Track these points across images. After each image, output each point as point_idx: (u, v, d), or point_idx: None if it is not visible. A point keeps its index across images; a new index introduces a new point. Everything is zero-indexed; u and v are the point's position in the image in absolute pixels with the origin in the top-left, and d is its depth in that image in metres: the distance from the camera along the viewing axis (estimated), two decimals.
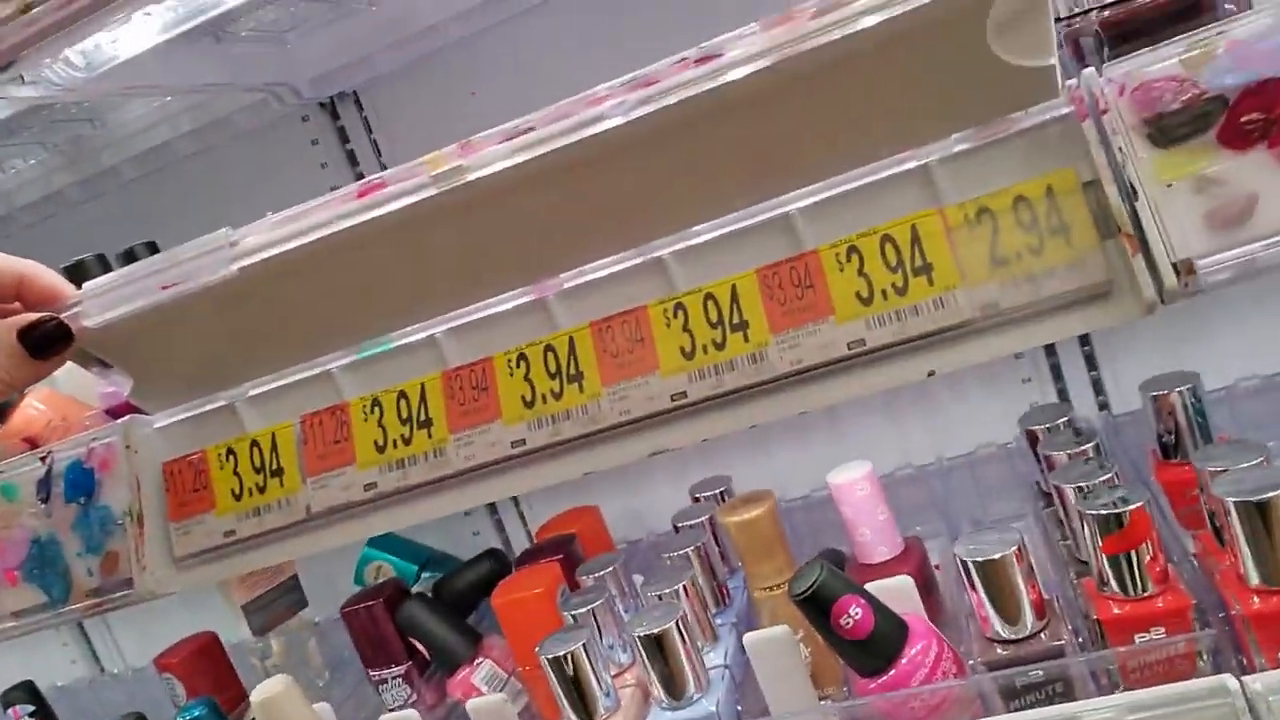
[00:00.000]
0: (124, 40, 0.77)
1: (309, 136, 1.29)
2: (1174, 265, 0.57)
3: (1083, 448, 0.86)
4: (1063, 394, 1.19)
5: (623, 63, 1.16)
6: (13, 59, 0.71)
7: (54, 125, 1.11)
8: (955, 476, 1.18)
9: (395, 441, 0.75)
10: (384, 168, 1.29)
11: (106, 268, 0.84)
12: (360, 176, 1.29)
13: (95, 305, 0.67)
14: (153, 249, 0.94)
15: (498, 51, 1.20)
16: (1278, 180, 0.56)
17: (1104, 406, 1.18)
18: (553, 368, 0.72)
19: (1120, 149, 0.59)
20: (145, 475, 0.80)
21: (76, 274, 0.83)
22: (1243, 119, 0.57)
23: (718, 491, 1.08)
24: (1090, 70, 0.60)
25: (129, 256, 0.92)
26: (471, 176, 0.60)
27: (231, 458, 0.79)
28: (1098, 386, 1.18)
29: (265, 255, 0.63)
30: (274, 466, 0.78)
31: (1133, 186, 0.58)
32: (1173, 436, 0.93)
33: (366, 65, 1.20)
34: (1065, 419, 0.94)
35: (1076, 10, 0.73)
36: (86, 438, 0.80)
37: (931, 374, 0.63)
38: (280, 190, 1.31)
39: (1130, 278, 0.59)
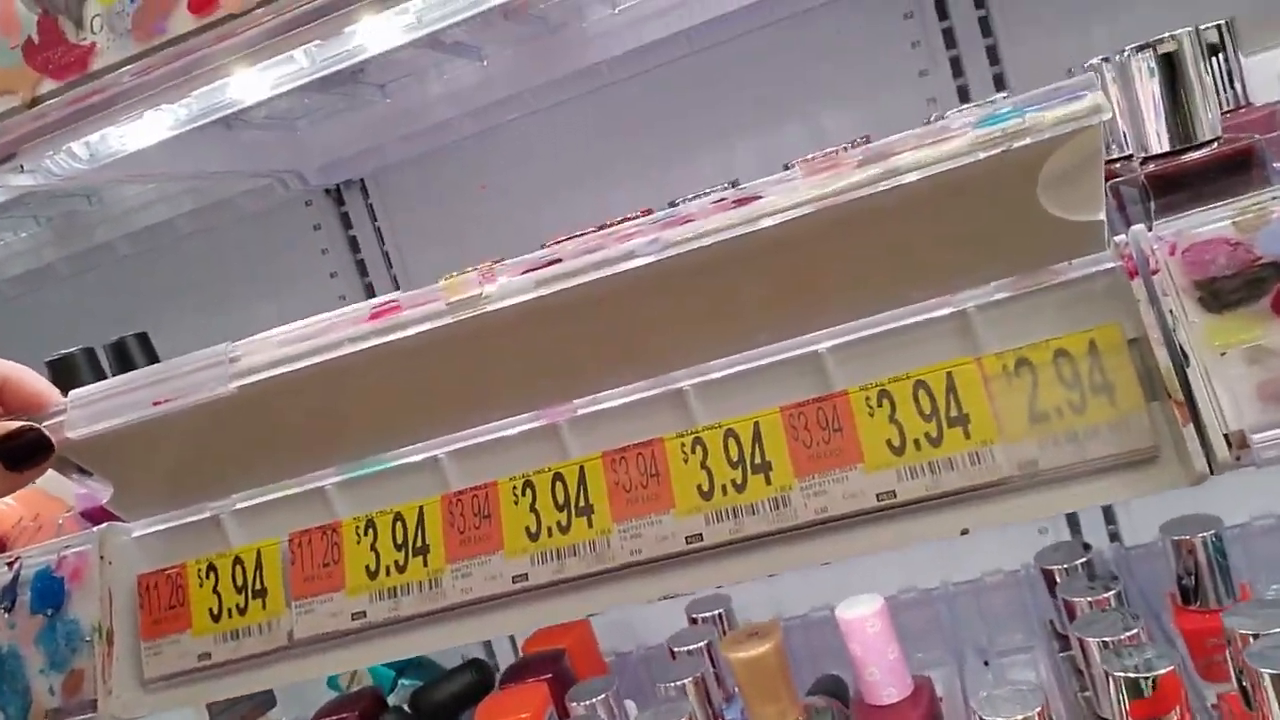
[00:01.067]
0: (132, 135, 0.75)
1: (311, 221, 1.27)
2: (1226, 437, 0.54)
3: (1104, 595, 0.83)
4: (1073, 521, 1.16)
5: (631, 164, 1.16)
6: (14, 151, 0.68)
7: (49, 200, 1.08)
8: (961, 602, 1.14)
9: (388, 568, 0.70)
10: (386, 256, 1.26)
11: (94, 361, 0.81)
12: (362, 264, 1.27)
13: (81, 415, 0.63)
14: (144, 341, 0.91)
15: (507, 148, 1.19)
16: None
17: (1115, 536, 1.15)
18: (561, 498, 0.68)
19: (1171, 311, 0.56)
20: (118, 588, 0.75)
21: (62, 368, 0.79)
22: None
23: (716, 613, 1.04)
24: (1140, 227, 0.58)
25: (119, 349, 0.89)
26: (491, 307, 0.56)
27: (212, 574, 0.74)
28: (1108, 515, 1.15)
29: (267, 375, 0.60)
30: (257, 587, 0.73)
31: (1184, 351, 0.55)
32: (1193, 580, 0.89)
33: (375, 155, 1.19)
34: (1084, 560, 0.90)
35: (1119, 155, 0.72)
36: (58, 544, 0.76)
37: (965, 532, 0.60)
38: (279, 274, 1.29)
39: (1177, 444, 0.56)
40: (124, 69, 0.65)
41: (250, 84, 0.74)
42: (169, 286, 1.30)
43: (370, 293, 1.27)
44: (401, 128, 1.14)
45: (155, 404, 0.61)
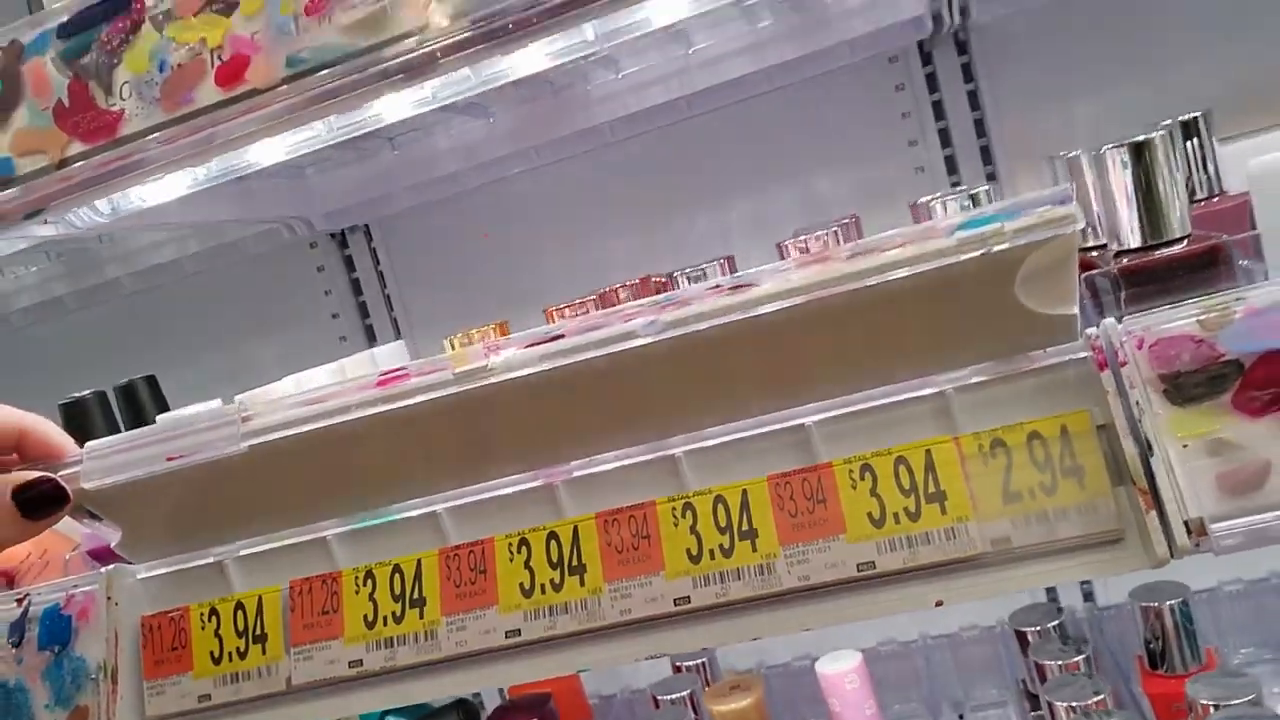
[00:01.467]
0: (151, 192, 0.78)
1: (315, 263, 1.30)
2: (1186, 524, 0.58)
3: (1074, 659, 0.86)
4: None
5: (629, 220, 1.20)
6: (42, 207, 0.71)
7: (62, 238, 1.11)
8: (937, 656, 1.17)
9: (386, 619, 0.73)
10: (388, 299, 1.29)
11: (104, 404, 0.83)
12: (363, 306, 1.30)
13: (96, 467, 0.66)
14: (152, 384, 0.93)
15: (510, 201, 1.23)
16: None
17: (1089, 596, 1.18)
18: (554, 557, 0.71)
19: (1137, 402, 0.59)
20: (124, 629, 0.77)
21: (74, 412, 0.82)
22: (1256, 386, 0.58)
23: (700, 661, 1.06)
24: (1111, 321, 0.61)
25: (128, 393, 0.91)
26: (496, 379, 0.60)
27: (214, 618, 0.77)
28: None
29: (277, 435, 0.62)
30: (257, 631, 0.76)
31: (1149, 441, 0.59)
32: (1160, 646, 0.92)
33: (381, 202, 1.22)
34: (1056, 623, 0.93)
35: (1094, 244, 0.76)
36: (67, 583, 0.78)
37: (939, 604, 0.63)
38: (282, 314, 1.32)
39: (1140, 529, 0.59)
40: (151, 136, 0.68)
41: (269, 149, 0.78)
42: (174, 323, 1.33)
43: (371, 335, 1.30)
44: (408, 178, 1.18)
45: (169, 459, 0.64)
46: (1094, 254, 0.74)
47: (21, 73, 0.74)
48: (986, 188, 0.67)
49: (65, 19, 0.74)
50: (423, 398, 0.61)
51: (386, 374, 0.63)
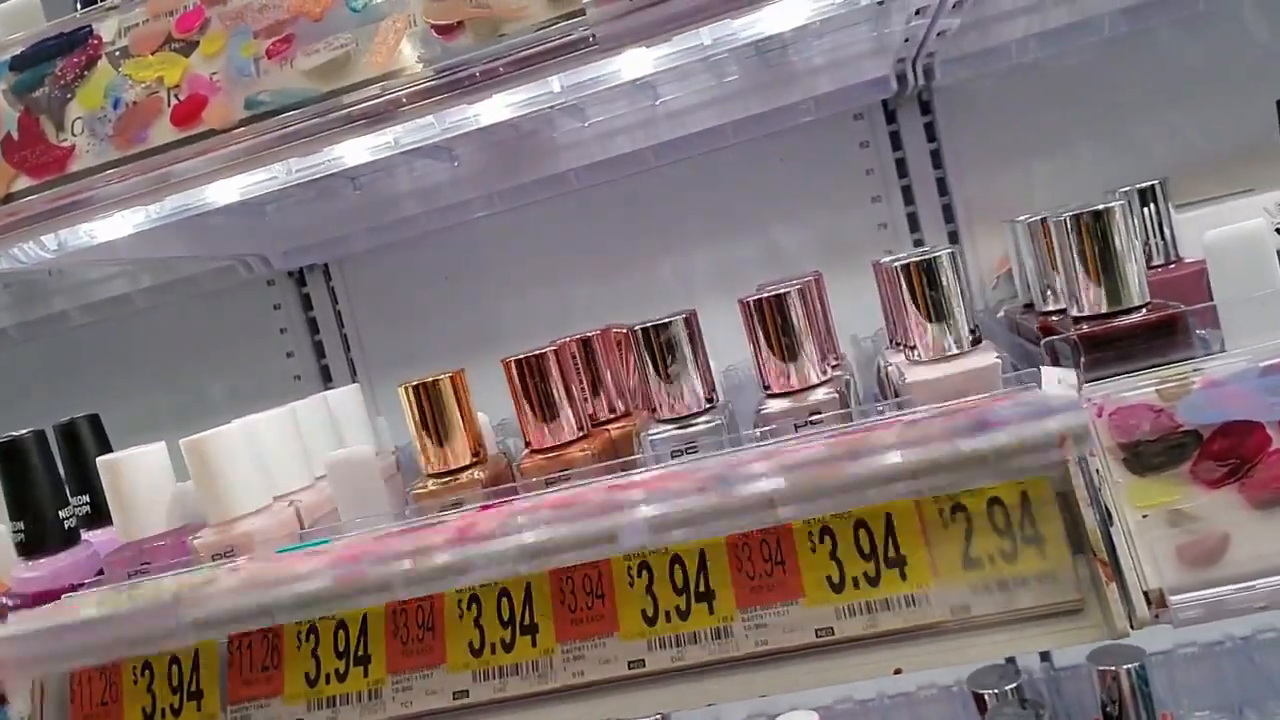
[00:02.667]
0: (102, 228, 0.76)
1: (272, 301, 1.27)
2: (1146, 595, 0.57)
3: None
4: None
5: (592, 266, 1.19)
6: None
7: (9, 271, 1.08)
8: (895, 715, 1.16)
9: (328, 676, 0.70)
10: (345, 339, 1.27)
11: (43, 446, 0.80)
12: (319, 345, 1.28)
13: None
14: (94, 423, 0.90)
15: (472, 244, 1.21)
16: (1248, 522, 0.57)
17: (1046, 656, 1.17)
18: (506, 615, 0.69)
19: (1097, 470, 0.59)
20: (50, 680, 0.74)
21: (11, 452, 0.79)
22: (1214, 457, 0.58)
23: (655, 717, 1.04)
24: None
25: (69, 433, 0.88)
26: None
27: (148, 672, 0.74)
28: None
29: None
30: (192, 688, 0.73)
31: (1109, 511, 0.58)
32: (1117, 709, 0.92)
33: (341, 242, 1.20)
34: (1014, 685, 0.92)
35: (1054, 309, 0.76)
36: None
37: (898, 671, 0.62)
38: (235, 351, 1.29)
39: (1101, 599, 0.59)
40: (102, 174, 0.66)
41: (225, 189, 0.76)
42: (122, 358, 1.29)
43: (326, 375, 1.27)
44: (369, 219, 1.16)
45: None
46: (1054, 318, 0.75)
47: None
48: (949, 249, 0.67)
49: (19, 51, 0.72)
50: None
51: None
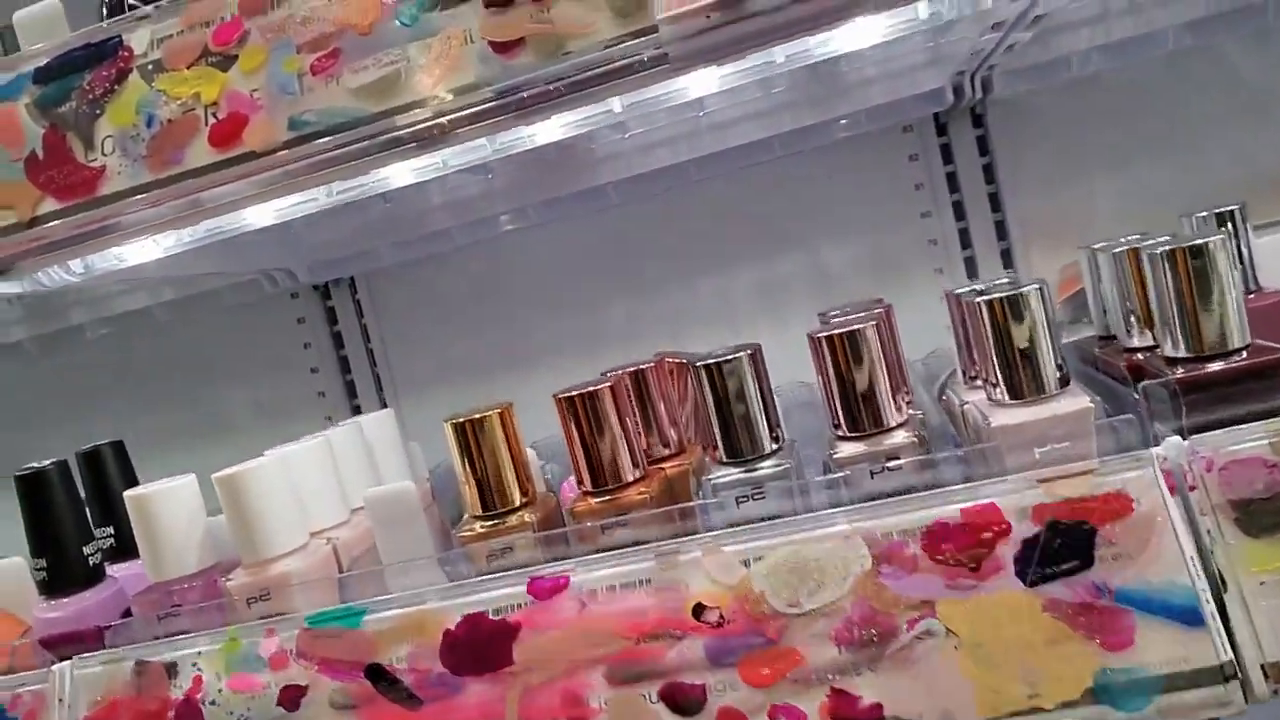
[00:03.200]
0: (131, 252, 0.72)
1: (295, 314, 1.23)
2: (1264, 668, 0.53)
3: None
4: None
5: (628, 284, 1.15)
6: (8, 268, 0.64)
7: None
8: None
9: None
10: (371, 353, 1.23)
11: (67, 476, 0.76)
12: (345, 360, 1.24)
13: None
14: (118, 449, 0.86)
15: (504, 259, 1.17)
16: None
17: None
18: None
19: (1208, 531, 0.55)
20: None
21: (32, 485, 0.75)
22: None
23: None
24: (1177, 440, 0.57)
25: (92, 458, 0.84)
26: None
27: None
28: None
29: None
30: None
31: (1222, 576, 0.54)
32: None
33: (369, 256, 1.16)
34: None
35: (1142, 346, 0.71)
36: (15, 681, 0.71)
37: None
38: (259, 366, 1.25)
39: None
40: (135, 198, 0.62)
41: (261, 211, 0.72)
42: (143, 373, 1.25)
43: (351, 390, 1.23)
44: (399, 233, 1.12)
45: None
46: (1141, 356, 0.70)
47: None
48: (1037, 284, 0.63)
49: (43, 63, 0.68)
50: None
51: None
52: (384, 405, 1.24)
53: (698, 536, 0.63)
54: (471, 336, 1.20)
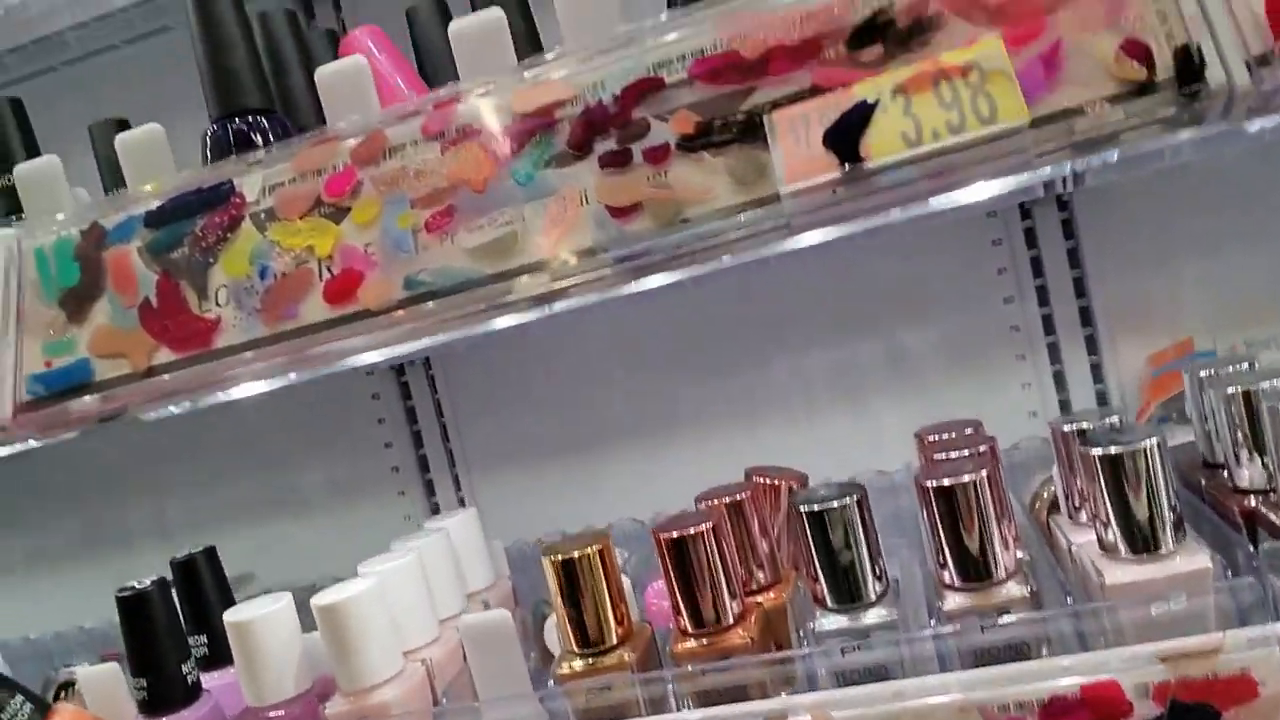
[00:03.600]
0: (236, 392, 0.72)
1: (370, 391, 1.24)
2: None
3: None
4: None
5: (701, 366, 1.14)
6: (119, 414, 0.65)
7: None
8: None
9: None
10: (444, 430, 1.24)
11: (166, 594, 0.77)
12: (418, 435, 1.24)
13: None
14: (210, 556, 0.87)
15: (575, 338, 1.17)
16: None
17: None
18: None
19: None
20: None
21: (133, 606, 0.76)
22: None
23: None
24: None
25: (187, 567, 0.85)
26: None
27: None
28: None
29: None
30: None
31: None
32: None
33: None
34: None
35: (1253, 488, 0.69)
36: None
37: None
38: (332, 441, 1.26)
39: None
40: (249, 352, 0.62)
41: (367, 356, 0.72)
42: (216, 446, 1.26)
43: (424, 465, 1.24)
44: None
45: None
46: (1255, 499, 0.68)
47: (103, 261, 0.68)
48: (1155, 436, 0.61)
49: (155, 205, 0.68)
50: None
51: None
52: (456, 479, 1.25)
53: (804, 698, 0.62)
54: (544, 413, 1.21)
